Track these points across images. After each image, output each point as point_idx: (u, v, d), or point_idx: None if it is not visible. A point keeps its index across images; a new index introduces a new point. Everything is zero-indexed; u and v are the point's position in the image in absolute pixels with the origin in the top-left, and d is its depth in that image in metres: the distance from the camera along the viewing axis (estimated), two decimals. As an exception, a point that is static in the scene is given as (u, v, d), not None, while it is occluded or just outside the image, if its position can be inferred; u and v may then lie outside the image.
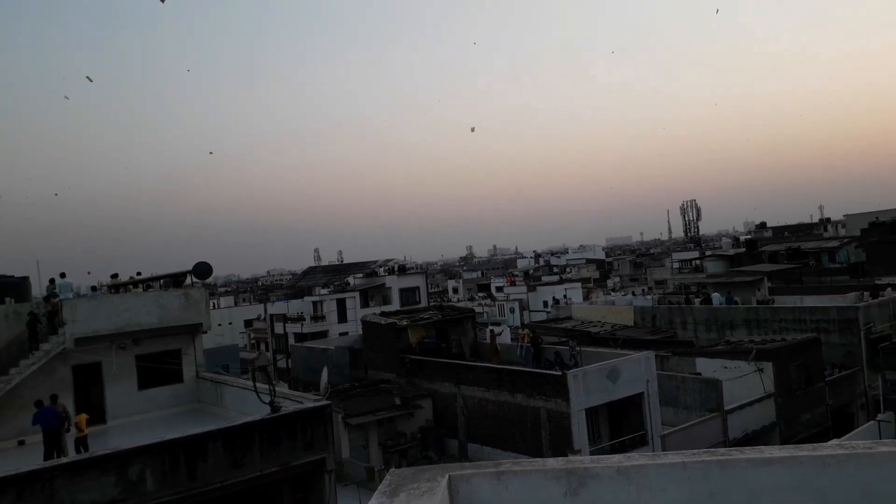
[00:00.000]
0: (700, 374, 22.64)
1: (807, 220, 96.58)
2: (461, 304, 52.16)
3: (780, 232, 78.87)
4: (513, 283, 74.75)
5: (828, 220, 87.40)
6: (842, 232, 66.51)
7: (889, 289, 31.29)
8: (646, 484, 3.08)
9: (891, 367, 21.26)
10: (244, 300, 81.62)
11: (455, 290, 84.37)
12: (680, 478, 3.08)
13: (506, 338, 32.97)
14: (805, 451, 3.17)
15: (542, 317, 51.65)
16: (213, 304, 70.55)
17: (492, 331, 30.88)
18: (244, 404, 15.70)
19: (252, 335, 54.82)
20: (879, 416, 20.24)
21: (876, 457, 3.03)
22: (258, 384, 13.04)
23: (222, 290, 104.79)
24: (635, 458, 3.23)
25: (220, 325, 57.13)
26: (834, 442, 3.28)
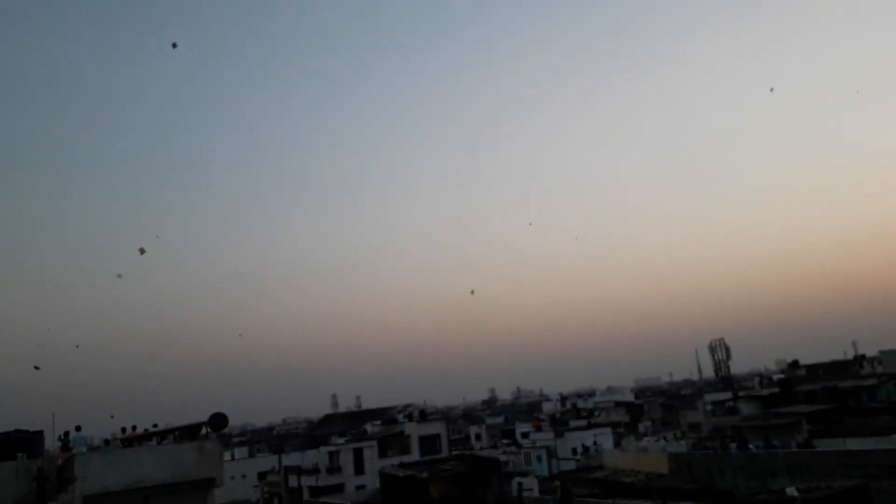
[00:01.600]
0: (744, 528, 21.01)
1: (840, 356, 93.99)
2: (485, 453, 50.22)
3: (814, 370, 76.51)
4: (539, 429, 72.25)
5: (863, 356, 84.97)
6: (878, 369, 64.39)
7: (937, 430, 29.66)
8: None
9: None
10: (259, 450, 79.29)
11: (478, 437, 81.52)
12: None
13: (535, 490, 31.33)
14: None
15: (571, 465, 49.37)
16: (229, 454, 68.60)
17: (520, 483, 29.46)
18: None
19: (266, 489, 52.73)
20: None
21: None
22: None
23: (237, 439, 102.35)
24: None
25: (232, 477, 55.25)
26: None
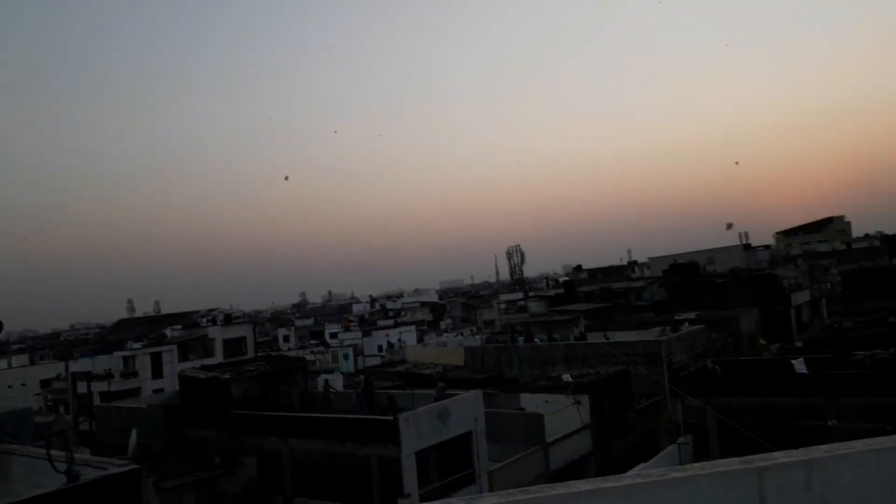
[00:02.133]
0: (524, 409, 23.54)
1: (617, 262, 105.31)
2: (292, 354, 50.48)
3: (594, 274, 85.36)
4: (348, 329, 73.83)
5: (635, 262, 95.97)
6: (647, 273, 73.25)
7: (686, 323, 34.80)
8: (463, 530, 3.01)
9: (688, 393, 23.45)
10: (42, 357, 73.04)
11: (286, 339, 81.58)
12: (496, 519, 3.05)
13: (339, 385, 32.28)
14: (609, 482, 3.28)
15: (376, 361, 51.34)
16: (6, 362, 62.84)
17: (326, 380, 30.13)
18: (36, 476, 13.80)
19: (50, 397, 49.01)
20: (680, 440, 22.16)
21: (668, 483, 3.21)
22: (54, 451, 11.53)
23: (15, 347, 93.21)
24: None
25: (10, 386, 50.86)
26: (633, 471, 3.43)
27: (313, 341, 75.09)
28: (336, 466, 19.39)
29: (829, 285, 48.63)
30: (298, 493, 20.33)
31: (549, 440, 21.48)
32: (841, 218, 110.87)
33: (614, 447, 24.31)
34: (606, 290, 56.64)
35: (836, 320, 42.26)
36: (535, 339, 35.37)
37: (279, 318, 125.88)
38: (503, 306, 68.71)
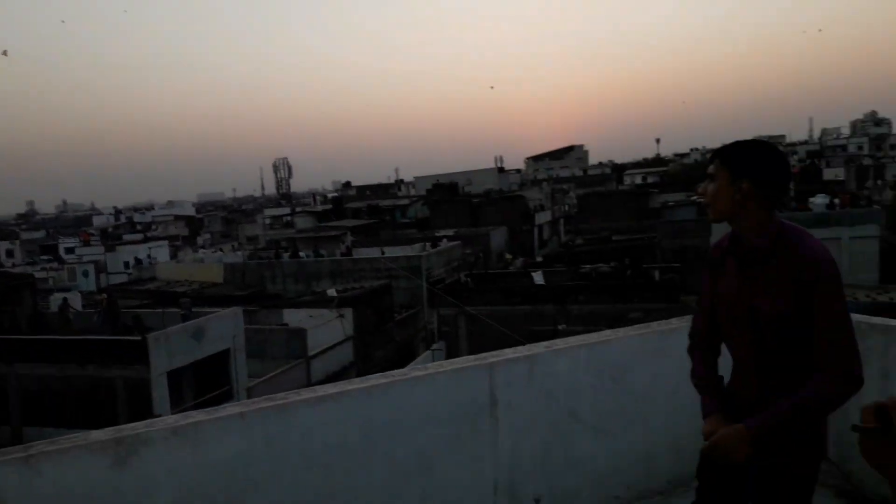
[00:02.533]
0: (287, 324, 23.49)
1: (385, 180, 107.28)
2: (17, 271, 44.41)
3: (363, 190, 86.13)
4: (88, 243, 66.57)
5: (402, 181, 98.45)
6: (412, 191, 75.66)
7: (445, 240, 36.87)
8: (203, 440, 2.90)
9: (443, 304, 25.17)
10: None
11: (10, 254, 71.45)
12: (238, 428, 2.98)
13: (78, 304, 29.29)
14: (354, 384, 3.37)
15: (122, 279, 47.22)
16: None
17: (65, 298, 27.13)
18: None
19: None
20: (434, 346, 23.87)
21: (409, 381, 3.38)
22: None
23: None
24: (192, 416, 3.01)
25: None
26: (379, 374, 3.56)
27: (45, 257, 66.75)
28: (75, 391, 17.82)
29: (567, 207, 54.49)
30: (29, 421, 18.41)
31: (311, 353, 21.75)
32: (580, 147, 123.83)
33: (375, 356, 25.41)
34: (374, 206, 57.70)
35: (570, 238, 47.70)
36: (301, 255, 35.08)
37: (1, 230, 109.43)
38: (268, 222, 66.82)
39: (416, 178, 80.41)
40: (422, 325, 29.50)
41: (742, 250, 2.20)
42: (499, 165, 77.45)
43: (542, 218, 47.33)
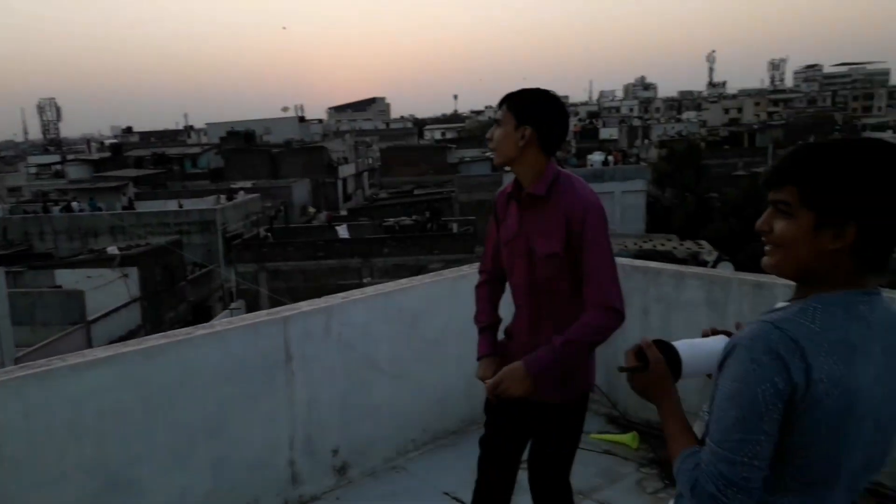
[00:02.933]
0: (61, 287, 21.12)
1: (173, 126, 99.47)
2: None
3: (147, 137, 79.18)
4: None
5: (191, 127, 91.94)
6: (204, 139, 70.96)
7: (242, 192, 35.15)
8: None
9: (242, 260, 24.14)
10: None
11: None
12: (-12, 401, 2.60)
13: None
14: (130, 346, 3.08)
15: None
16: None
17: None
18: None
19: None
20: (232, 305, 22.87)
21: (195, 341, 3.16)
22: None
23: None
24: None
25: None
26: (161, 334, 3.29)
27: None
28: None
29: (370, 160, 54.46)
30: None
31: (91, 318, 19.81)
32: (382, 99, 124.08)
33: (167, 319, 23.80)
34: (160, 155, 53.21)
35: (374, 192, 47.93)
36: (75, 208, 31.53)
37: None
38: (34, 171, 59.24)
39: (208, 124, 75.38)
40: (218, 284, 28.12)
41: (522, 195, 2.31)
42: (299, 115, 75.14)
43: (346, 171, 46.92)
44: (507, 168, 2.33)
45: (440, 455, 3.93)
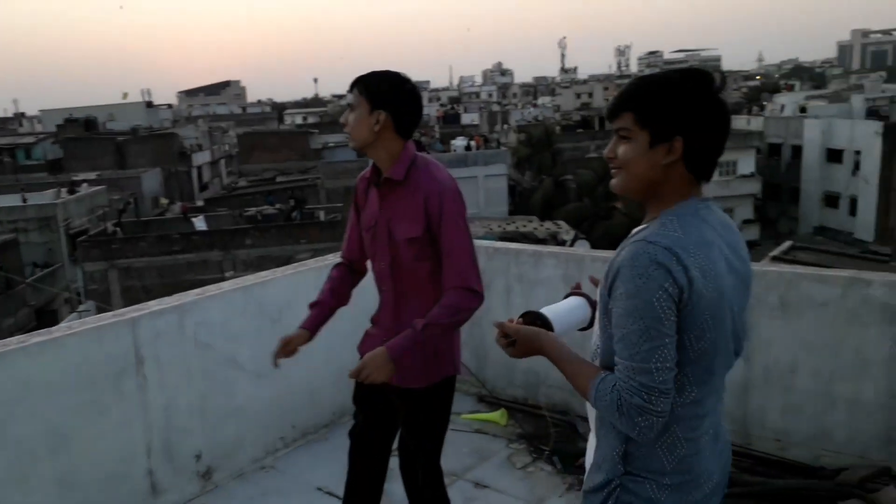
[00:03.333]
0: None
1: (1, 113, 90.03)
2: None
3: (-32, 126, 70.98)
4: None
5: (23, 114, 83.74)
6: (38, 127, 64.84)
7: (85, 184, 32.45)
8: None
9: (89, 258, 22.33)
10: None
11: None
12: None
13: None
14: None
15: None
16: None
17: None
18: None
19: None
20: (81, 308, 21.14)
21: (29, 350, 2.87)
22: None
23: None
24: None
25: None
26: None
27: None
28: None
29: (227, 146, 52.12)
30: None
31: None
32: (238, 83, 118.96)
33: (3, 326, 21.61)
34: (-14, 146, 47.92)
35: (233, 180, 45.97)
36: None
37: None
38: None
39: (42, 111, 68.89)
40: (64, 285, 25.89)
41: (381, 180, 2.30)
42: (146, 99, 70.40)
43: (201, 158, 44.63)
44: (364, 153, 2.31)
45: (312, 450, 3.85)
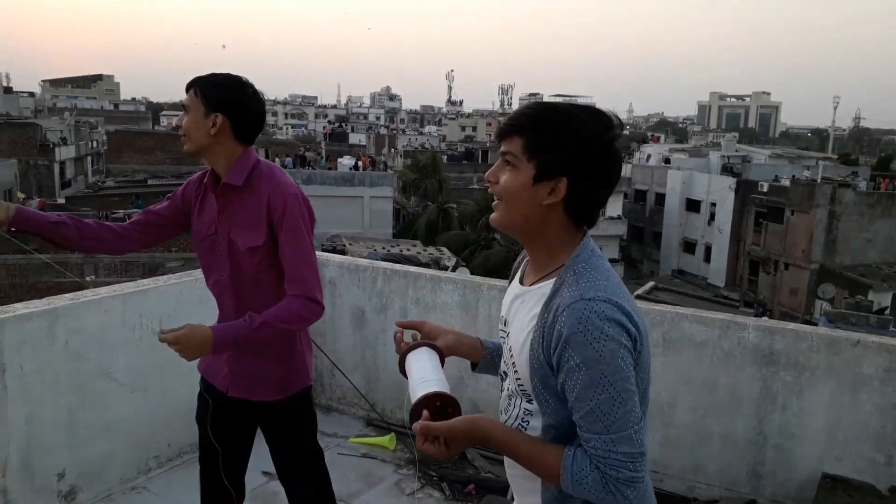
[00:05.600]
0: None
1: None
2: None
3: None
4: None
5: None
6: None
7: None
8: None
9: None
10: None
11: None
12: None
13: None
14: None
15: None
16: None
17: None
18: None
19: None
20: None
21: None
22: None
23: None
24: None
25: None
26: None
27: None
28: None
29: (95, 143, 48.69)
30: None
31: None
32: (111, 78, 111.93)
33: None
34: None
35: (100, 179, 42.96)
36: None
37: None
38: None
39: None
40: None
41: (219, 186, 2.20)
42: (5, 84, 64.54)
43: (66, 153, 41.30)
44: (200, 158, 2.21)
45: (187, 471, 3.60)
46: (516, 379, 1.38)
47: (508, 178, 1.31)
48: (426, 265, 19.27)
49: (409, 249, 22.28)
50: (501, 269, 23.30)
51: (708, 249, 37.76)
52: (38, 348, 3.03)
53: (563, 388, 1.24)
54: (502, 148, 1.32)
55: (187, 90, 2.15)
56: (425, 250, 23.12)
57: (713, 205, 37.28)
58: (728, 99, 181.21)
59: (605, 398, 1.18)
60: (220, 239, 2.20)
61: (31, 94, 73.41)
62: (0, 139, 36.56)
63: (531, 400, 1.35)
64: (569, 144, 1.27)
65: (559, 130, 1.27)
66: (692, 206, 39.05)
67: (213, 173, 2.22)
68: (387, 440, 3.96)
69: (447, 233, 31.37)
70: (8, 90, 61.11)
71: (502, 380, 1.50)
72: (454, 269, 20.62)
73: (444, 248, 25.06)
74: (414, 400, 1.33)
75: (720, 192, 36.58)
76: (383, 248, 21.27)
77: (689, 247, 39.42)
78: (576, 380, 1.20)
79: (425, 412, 1.29)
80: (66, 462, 3.14)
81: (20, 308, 3.08)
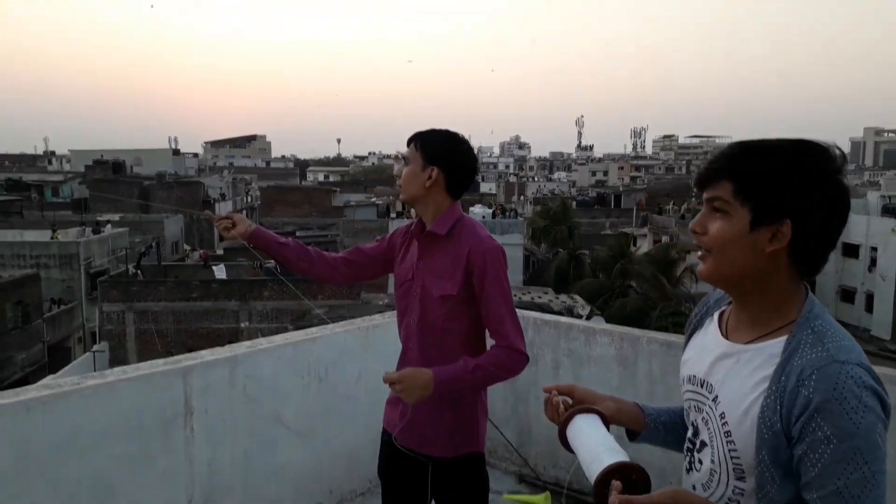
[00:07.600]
0: None
1: (31, 150, 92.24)
2: None
3: (0, 161, 72.84)
4: None
5: (52, 153, 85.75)
6: (67, 167, 66.27)
7: (109, 225, 32.88)
8: None
9: (107, 299, 22.38)
10: None
11: None
12: None
13: None
14: (7, 398, 2.70)
15: None
16: None
17: None
18: None
19: None
20: (95, 348, 21.05)
21: (83, 392, 2.82)
22: None
23: None
24: None
25: None
26: (41, 383, 2.91)
27: None
28: None
29: (250, 198, 52.88)
30: None
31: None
32: (263, 137, 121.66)
33: (17, 360, 21.52)
34: (16, 181, 49.01)
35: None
36: None
37: None
38: None
39: (71, 151, 70.51)
40: (79, 324, 25.88)
41: (423, 234, 2.28)
42: (173, 147, 71.99)
43: (225, 208, 45.20)
44: (412, 208, 2.33)
45: (347, 517, 3.72)
46: (729, 451, 1.24)
47: (720, 225, 1.19)
48: (559, 313, 18.95)
49: (540, 297, 22.03)
50: (638, 318, 22.40)
51: (870, 298, 34.46)
52: (220, 393, 3.26)
53: (800, 462, 1.11)
54: (706, 195, 1.22)
55: (408, 143, 2.28)
56: (557, 298, 22.76)
57: (874, 249, 34.15)
58: (886, 134, 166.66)
59: (856, 478, 1.06)
60: (416, 284, 2.26)
61: (195, 155, 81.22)
62: (170, 196, 40.55)
63: (743, 477, 1.22)
64: (789, 181, 1.14)
65: (771, 165, 1.16)
66: (849, 250, 35.95)
67: (420, 222, 2.31)
68: (541, 499, 3.85)
69: (580, 280, 30.78)
70: (176, 152, 68.21)
71: (691, 451, 1.36)
72: (588, 318, 20.11)
73: (576, 296, 24.58)
74: (603, 468, 1.22)
75: (881, 236, 33.49)
76: (514, 296, 21.14)
77: (846, 295, 36.19)
78: (822, 454, 1.08)
79: (617, 483, 1.18)
80: (241, 502, 3.32)
81: (206, 355, 3.34)
